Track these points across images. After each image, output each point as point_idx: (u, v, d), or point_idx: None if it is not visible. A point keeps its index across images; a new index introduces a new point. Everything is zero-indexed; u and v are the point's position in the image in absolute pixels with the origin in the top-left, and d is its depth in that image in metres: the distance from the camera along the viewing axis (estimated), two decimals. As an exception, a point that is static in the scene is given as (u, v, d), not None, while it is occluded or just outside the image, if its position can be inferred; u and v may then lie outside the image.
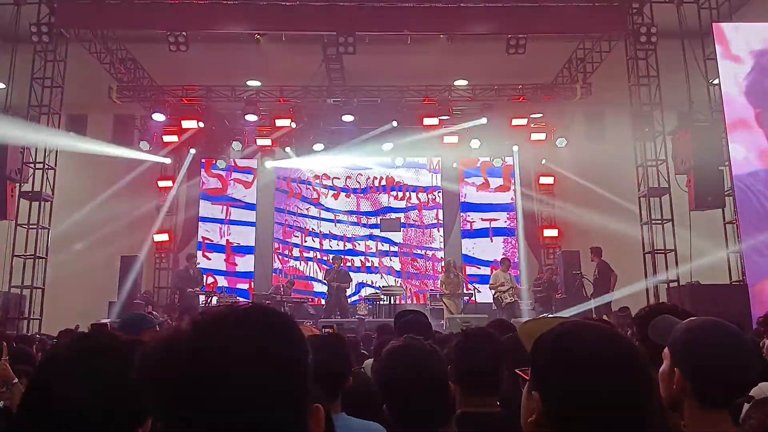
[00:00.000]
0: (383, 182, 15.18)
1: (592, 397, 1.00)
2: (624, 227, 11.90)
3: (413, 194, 15.17)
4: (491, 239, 14.96)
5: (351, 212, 15.07)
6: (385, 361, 1.98)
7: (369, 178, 15.17)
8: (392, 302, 12.52)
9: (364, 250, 14.83)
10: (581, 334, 1.07)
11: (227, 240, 14.86)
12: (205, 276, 13.00)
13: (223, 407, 0.70)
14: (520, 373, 1.20)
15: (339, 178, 15.17)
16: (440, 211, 15.10)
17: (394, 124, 13.60)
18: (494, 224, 15.04)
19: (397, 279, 14.64)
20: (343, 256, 13.85)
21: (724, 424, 1.38)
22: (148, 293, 12.97)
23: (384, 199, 15.12)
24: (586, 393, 1.00)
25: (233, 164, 14.98)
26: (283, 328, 0.78)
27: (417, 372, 1.87)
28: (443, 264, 13.42)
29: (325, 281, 12.69)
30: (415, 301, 14.15)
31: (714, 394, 1.39)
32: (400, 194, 15.16)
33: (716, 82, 10.03)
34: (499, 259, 13.43)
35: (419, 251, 14.91)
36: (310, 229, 14.96)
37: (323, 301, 13.08)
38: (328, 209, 15.08)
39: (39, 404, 1.20)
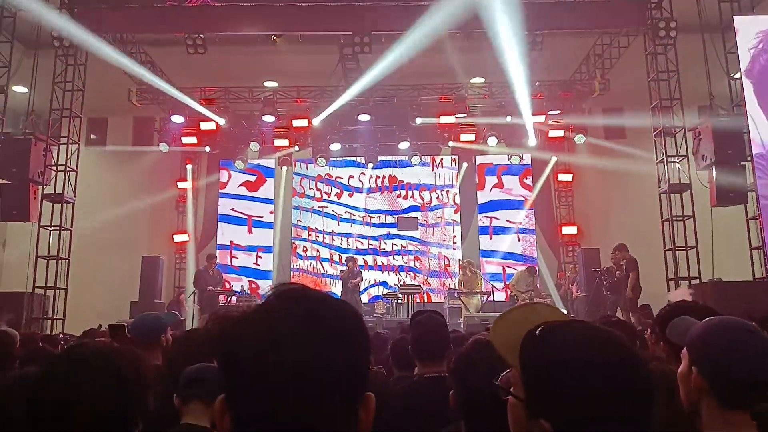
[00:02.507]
0: (386, 182, 15.15)
1: (597, 410, 0.89)
2: (644, 224, 11.77)
3: (416, 192, 15.10)
4: (508, 237, 14.86)
5: (356, 209, 15.03)
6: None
7: (372, 177, 15.14)
8: (409, 301, 12.51)
9: (366, 249, 14.77)
10: (575, 348, 0.94)
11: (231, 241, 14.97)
12: (224, 276, 13.08)
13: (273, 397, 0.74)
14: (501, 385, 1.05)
15: (342, 177, 15.16)
16: (446, 210, 14.99)
17: (419, 121, 13.58)
18: (512, 222, 14.94)
19: (399, 276, 14.56)
20: (355, 257, 13.86)
21: (743, 425, 1.34)
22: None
23: (392, 198, 15.07)
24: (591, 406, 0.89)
25: (251, 164, 15.07)
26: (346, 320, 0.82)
27: None
28: (460, 262, 13.38)
29: (341, 278, 12.69)
30: (427, 300, 14.10)
31: (732, 394, 1.37)
32: (403, 193, 15.11)
33: (737, 75, 9.87)
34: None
35: (423, 248, 14.82)
36: (314, 228, 15.00)
37: None
38: (337, 204, 15.08)
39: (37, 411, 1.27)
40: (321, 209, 15.09)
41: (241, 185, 15.27)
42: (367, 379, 0.81)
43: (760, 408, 1.26)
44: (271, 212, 15.11)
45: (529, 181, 15.08)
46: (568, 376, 0.91)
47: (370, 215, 15.03)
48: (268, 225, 15.05)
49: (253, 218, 15.06)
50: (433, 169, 15.16)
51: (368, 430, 0.81)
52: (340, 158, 14.88)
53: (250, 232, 15.03)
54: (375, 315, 12.01)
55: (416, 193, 15.12)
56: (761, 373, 1.36)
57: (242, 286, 14.04)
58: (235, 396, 0.77)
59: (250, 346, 0.76)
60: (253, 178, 15.26)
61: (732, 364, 1.36)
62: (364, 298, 13.39)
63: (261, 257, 14.85)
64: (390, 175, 15.15)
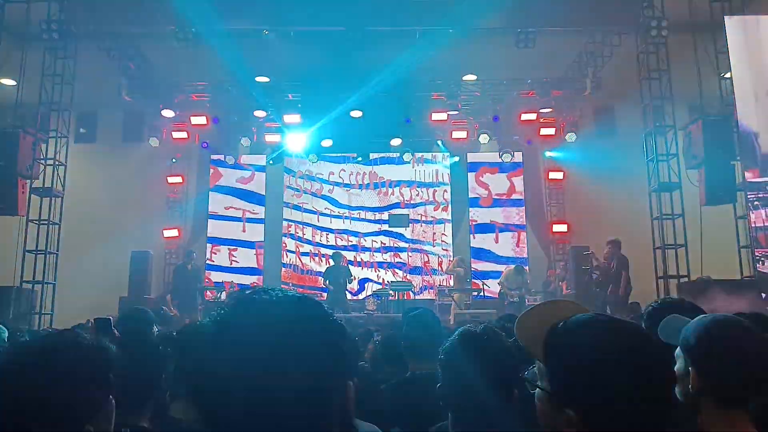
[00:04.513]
0: (367, 178, 15.10)
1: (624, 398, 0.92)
2: (634, 222, 11.82)
3: (397, 189, 15.05)
4: (498, 235, 14.87)
5: (338, 205, 14.98)
6: None
7: (352, 173, 15.09)
8: (399, 298, 12.53)
9: (347, 245, 14.72)
10: (606, 342, 0.96)
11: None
12: (204, 272, 12.99)
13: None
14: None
15: (322, 174, 15.10)
16: (428, 207, 14.96)
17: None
18: (503, 220, 14.96)
19: (378, 273, 14.52)
20: (342, 252, 13.82)
21: (742, 424, 1.35)
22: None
23: (377, 195, 15.03)
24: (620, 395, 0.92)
25: (241, 160, 14.99)
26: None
27: None
28: (456, 258, 13.37)
29: (324, 278, 12.61)
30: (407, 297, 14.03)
31: (731, 393, 1.36)
32: (384, 189, 15.08)
33: (728, 75, 9.93)
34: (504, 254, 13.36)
35: (404, 245, 14.79)
36: (294, 223, 14.93)
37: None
38: (319, 198, 15.04)
39: None
40: (301, 205, 15.03)
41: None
42: (337, 390, 0.90)
43: (758, 406, 1.26)
44: (226, 208, 14.97)
45: (485, 179, 15.05)
46: (595, 368, 0.94)
47: (351, 211, 14.99)
48: (224, 218, 14.90)
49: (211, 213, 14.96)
50: (413, 167, 15.09)
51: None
52: (332, 155, 14.81)
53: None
54: (365, 312, 12.01)
55: (397, 190, 15.07)
56: (759, 371, 1.36)
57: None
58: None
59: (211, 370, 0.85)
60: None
61: (730, 363, 1.36)
62: (361, 296, 13.36)
63: (216, 252, 14.76)
64: (371, 172, 15.11)
